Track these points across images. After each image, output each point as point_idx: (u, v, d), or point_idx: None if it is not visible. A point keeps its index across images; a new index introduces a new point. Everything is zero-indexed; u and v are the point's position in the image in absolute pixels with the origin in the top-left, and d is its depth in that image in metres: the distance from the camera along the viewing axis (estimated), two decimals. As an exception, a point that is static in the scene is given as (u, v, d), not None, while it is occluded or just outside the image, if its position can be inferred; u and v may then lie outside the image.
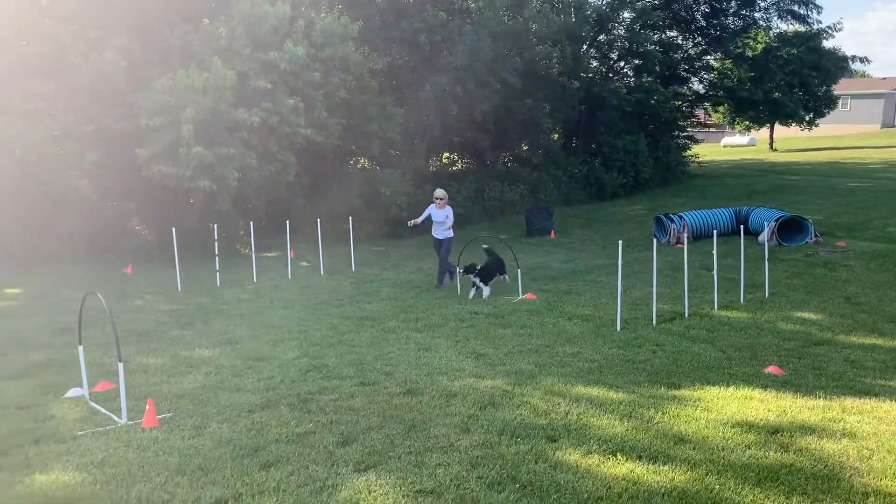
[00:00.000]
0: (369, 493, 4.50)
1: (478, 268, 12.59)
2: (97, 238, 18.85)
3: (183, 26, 17.81)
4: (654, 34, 34.28)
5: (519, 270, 12.52)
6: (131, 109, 17.00)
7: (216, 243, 15.51)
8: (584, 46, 32.31)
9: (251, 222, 17.41)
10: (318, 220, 18.20)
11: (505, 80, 25.17)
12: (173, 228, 15.27)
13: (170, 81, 16.48)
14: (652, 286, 10.03)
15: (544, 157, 30.10)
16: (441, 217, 13.97)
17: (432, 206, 14.10)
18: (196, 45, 17.76)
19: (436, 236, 14.15)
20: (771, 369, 7.42)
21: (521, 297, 11.90)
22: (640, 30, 32.94)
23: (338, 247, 19.43)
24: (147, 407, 6.02)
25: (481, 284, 12.42)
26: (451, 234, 14.08)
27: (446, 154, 32.55)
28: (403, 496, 4.44)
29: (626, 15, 33.09)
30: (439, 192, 14.21)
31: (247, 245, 19.90)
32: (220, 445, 5.40)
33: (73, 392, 7.02)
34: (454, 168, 31.54)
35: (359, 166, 28.58)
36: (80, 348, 6.94)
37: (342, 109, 20.87)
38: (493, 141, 27.84)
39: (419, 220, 14.45)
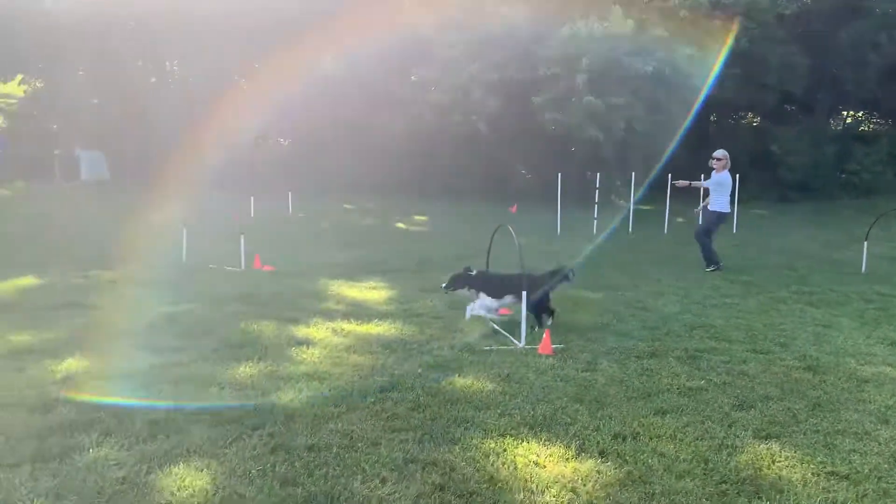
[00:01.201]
0: (773, 461, 4.27)
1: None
2: (489, 178, 20.69)
3: (587, -24, 18.21)
4: None
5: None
6: (531, 59, 18.06)
7: (597, 191, 15.87)
8: None
9: (632, 174, 17.44)
10: (702, 176, 17.49)
11: (949, 24, 21.06)
12: (559, 174, 16.01)
13: (570, 31, 17.07)
14: None
15: None
16: (714, 184, 11.24)
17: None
18: (598, -5, 18.07)
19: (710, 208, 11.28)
20: None
21: (948, 283, 10.10)
22: None
23: (718, 206, 18.47)
24: (544, 336, 6.47)
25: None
26: (721, 206, 11.18)
27: (852, 112, 28.63)
28: (813, 474, 4.13)
29: None
30: (718, 153, 11.29)
31: (623, 196, 20.06)
32: (613, 384, 5.59)
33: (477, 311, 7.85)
34: (861, 128, 27.64)
35: (744, 122, 26.68)
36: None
37: (738, 59, 19.56)
38: (921, 98, 23.64)
39: (691, 183, 11.96)
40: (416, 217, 17.34)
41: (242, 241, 10.48)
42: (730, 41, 18.01)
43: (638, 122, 17.54)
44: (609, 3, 17.49)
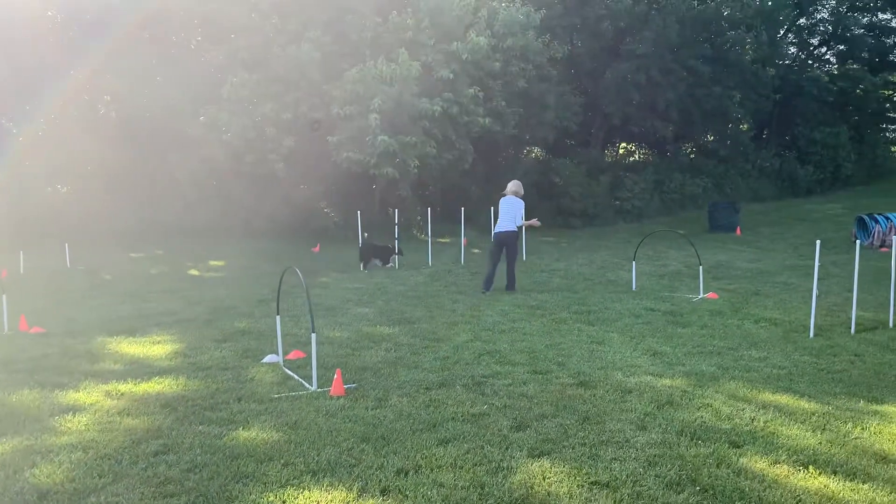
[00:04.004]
0: (543, 478, 4.52)
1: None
2: (291, 218, 20.37)
3: (373, 19, 18.68)
4: (864, 17, 31.23)
5: (701, 268, 11.96)
6: (324, 99, 18.15)
7: (396, 227, 16.18)
8: (781, 31, 30.11)
9: (428, 209, 17.99)
10: (492, 208, 18.48)
11: (692, 67, 24.10)
12: (358, 212, 16.14)
13: (359, 72, 17.39)
14: (851, 291, 9.20)
15: (731, 148, 28.50)
16: None
17: None
18: (385, 37, 18.59)
19: None
20: None
21: (701, 296, 11.38)
22: (846, 12, 30.14)
23: (510, 235, 19.54)
24: (335, 377, 6.43)
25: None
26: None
27: (623, 144, 31.75)
28: (578, 486, 4.43)
29: (832, -4, 30.42)
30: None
31: (423, 230, 20.63)
32: (401, 418, 5.66)
33: (269, 358, 7.64)
34: (632, 159, 30.70)
35: (532, 156, 28.59)
36: (278, 318, 7.54)
37: (520, 98, 20.98)
38: (676, 131, 26.77)
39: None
40: (213, 262, 16.63)
41: (4, 300, 9.44)
42: None
43: (430, 158, 18.16)
44: (397, 46, 18.05)
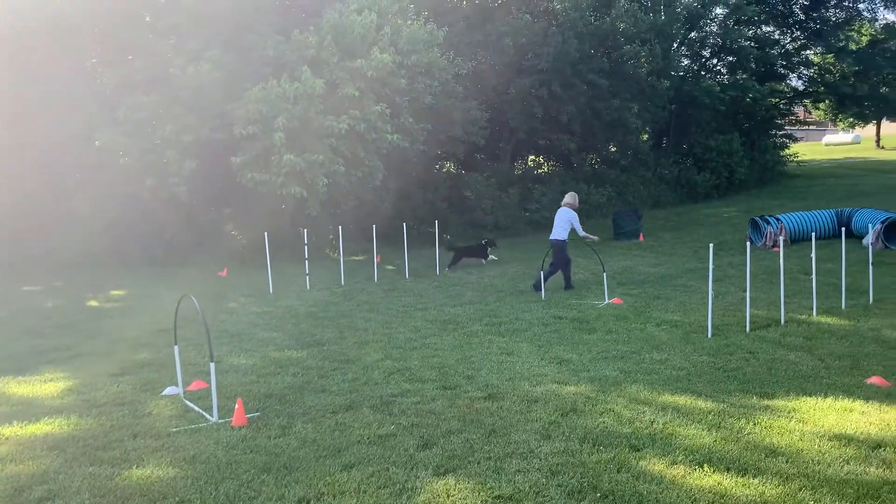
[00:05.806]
0: (448, 496, 4.50)
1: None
2: (196, 242, 19.75)
3: (275, 37, 18.42)
4: (749, 30, 33.05)
5: (605, 275, 12.28)
6: (226, 119, 17.70)
7: (306, 247, 15.92)
8: (675, 45, 31.47)
9: (339, 227, 17.79)
10: (404, 224, 18.48)
11: (591, 80, 24.82)
12: (265, 233, 15.79)
13: (262, 91, 17.07)
14: (746, 291, 9.64)
15: (632, 158, 29.49)
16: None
17: None
18: (287, 56, 18.33)
19: None
20: (874, 380, 6.99)
21: (607, 301, 11.68)
22: (733, 26, 31.80)
23: (423, 250, 19.64)
24: (236, 406, 6.23)
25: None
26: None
27: (531, 157, 32.36)
28: (482, 501, 4.43)
29: (719, 11, 32.02)
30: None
31: (335, 249, 20.39)
32: (305, 445, 5.53)
33: (168, 390, 7.36)
34: (539, 171, 31.32)
35: (444, 171, 28.78)
36: (176, 348, 7.27)
37: (427, 115, 21.09)
38: (580, 143, 27.48)
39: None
40: (114, 292, 15.90)
41: None
42: None
43: (340, 176, 17.98)
44: (300, 65, 17.83)
